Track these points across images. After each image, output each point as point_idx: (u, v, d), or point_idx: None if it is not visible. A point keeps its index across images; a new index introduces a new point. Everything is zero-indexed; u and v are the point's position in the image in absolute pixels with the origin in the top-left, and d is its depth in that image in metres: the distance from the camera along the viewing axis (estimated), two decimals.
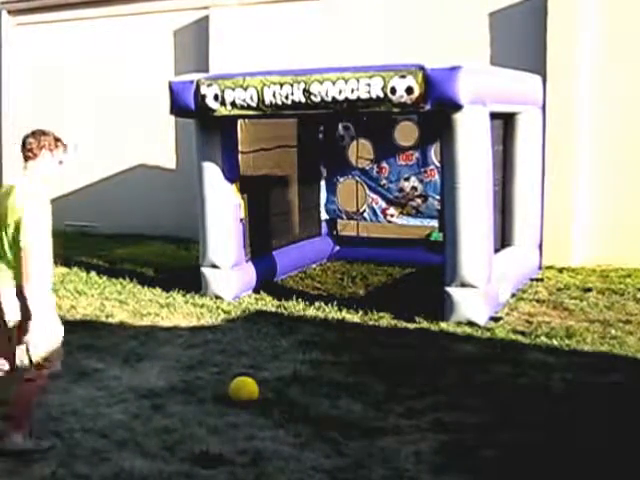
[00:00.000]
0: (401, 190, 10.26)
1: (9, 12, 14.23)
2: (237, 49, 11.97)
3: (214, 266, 8.60)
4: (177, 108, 8.30)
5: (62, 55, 13.77)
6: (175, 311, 8.07)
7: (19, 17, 14.22)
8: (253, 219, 9.08)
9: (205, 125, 8.40)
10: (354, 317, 7.75)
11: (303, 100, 7.54)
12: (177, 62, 12.69)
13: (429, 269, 8.79)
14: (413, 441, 4.86)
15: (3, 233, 4.52)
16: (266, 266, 9.30)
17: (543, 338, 6.94)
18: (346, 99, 7.36)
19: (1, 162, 14.46)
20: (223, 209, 8.56)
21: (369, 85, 7.24)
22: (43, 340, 4.51)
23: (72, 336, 7.11)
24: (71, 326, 7.48)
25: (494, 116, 7.77)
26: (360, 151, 10.54)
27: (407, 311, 7.68)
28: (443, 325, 7.37)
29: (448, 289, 7.49)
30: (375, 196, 10.50)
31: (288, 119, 9.32)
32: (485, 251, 7.50)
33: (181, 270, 9.92)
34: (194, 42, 12.50)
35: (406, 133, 10.05)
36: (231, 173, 8.59)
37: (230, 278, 8.61)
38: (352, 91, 7.31)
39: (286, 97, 7.60)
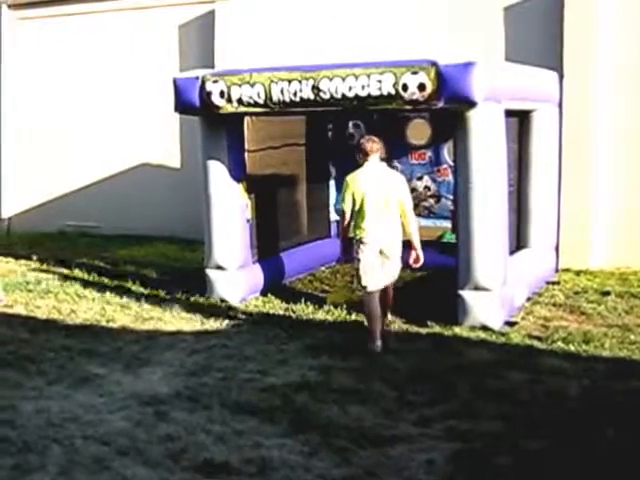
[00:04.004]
0: (414, 190, 10.08)
1: (9, 6, 14.17)
2: (243, 44, 11.87)
3: (220, 268, 8.50)
4: (181, 105, 8.20)
5: (64, 50, 13.69)
6: (179, 315, 7.98)
7: (20, 11, 14.16)
8: (260, 219, 9.00)
9: (210, 123, 8.30)
10: (364, 321, 7.60)
11: (312, 97, 7.43)
12: (182, 58, 12.59)
13: (442, 272, 8.65)
14: (425, 450, 4.79)
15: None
16: (274, 268, 9.19)
17: (560, 343, 6.84)
18: (356, 96, 7.24)
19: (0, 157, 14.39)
20: (229, 209, 8.46)
21: (380, 81, 7.11)
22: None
23: (72, 341, 7.12)
24: (71, 330, 7.48)
25: (509, 114, 7.65)
26: None
27: (419, 315, 7.59)
28: (456, 330, 7.27)
29: (462, 292, 7.38)
30: None
31: (296, 116, 9.18)
32: (500, 253, 7.38)
33: (185, 272, 9.84)
34: (199, 37, 12.39)
35: (418, 131, 9.95)
36: (237, 172, 8.50)
37: (236, 280, 8.50)
38: (362, 88, 7.19)
39: (294, 94, 7.49)
